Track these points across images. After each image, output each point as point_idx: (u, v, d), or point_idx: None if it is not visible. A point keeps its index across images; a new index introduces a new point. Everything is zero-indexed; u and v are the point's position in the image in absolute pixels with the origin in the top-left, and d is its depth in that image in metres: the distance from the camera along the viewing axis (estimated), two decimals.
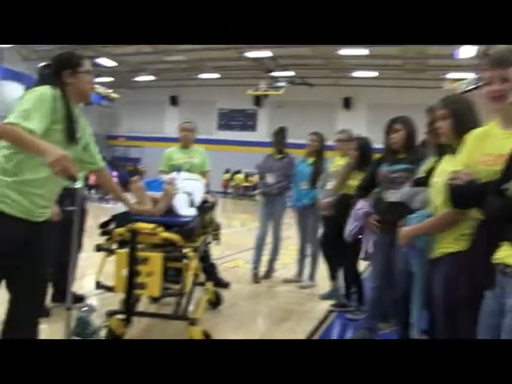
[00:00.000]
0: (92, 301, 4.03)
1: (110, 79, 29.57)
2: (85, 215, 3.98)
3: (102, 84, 29.03)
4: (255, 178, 24.74)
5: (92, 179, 16.12)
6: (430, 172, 2.55)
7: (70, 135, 2.21)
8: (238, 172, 25.27)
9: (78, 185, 2.25)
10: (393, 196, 3.25)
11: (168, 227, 3.02)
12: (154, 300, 3.96)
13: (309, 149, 5.42)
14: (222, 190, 24.14)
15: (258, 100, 27.21)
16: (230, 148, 26.12)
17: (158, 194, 3.24)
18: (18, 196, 2.09)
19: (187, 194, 3.45)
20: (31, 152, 1.99)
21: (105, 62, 25.89)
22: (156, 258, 2.84)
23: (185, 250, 2.97)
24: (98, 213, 4.80)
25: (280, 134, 5.73)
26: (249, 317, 4.24)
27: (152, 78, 28.47)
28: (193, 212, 3.31)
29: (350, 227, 3.72)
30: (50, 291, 3.88)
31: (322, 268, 5.13)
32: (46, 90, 2.15)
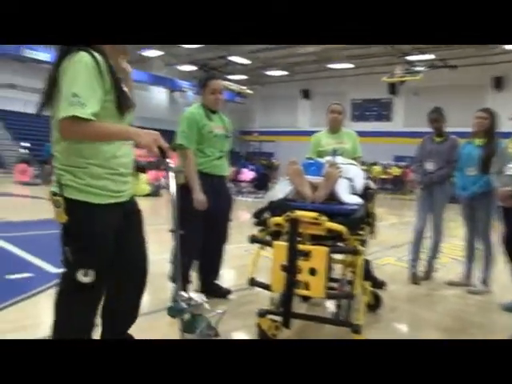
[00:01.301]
0: (233, 296, 3.78)
1: (243, 77, 30.27)
2: (231, 204, 3.72)
3: (236, 81, 29.87)
4: (393, 170, 23.55)
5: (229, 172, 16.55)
6: None
7: (123, 102, 1.94)
8: (374, 164, 24.24)
9: (171, 163, 1.96)
10: None
11: (330, 216, 2.57)
12: (304, 299, 3.56)
13: (477, 128, 4.60)
14: None
15: (393, 88, 25.92)
16: (364, 139, 24.73)
17: (317, 179, 2.80)
18: (102, 181, 1.93)
19: (348, 179, 2.97)
20: (118, 140, 1.90)
21: (237, 59, 26.54)
22: (321, 252, 2.40)
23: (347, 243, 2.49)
24: (236, 206, 4.51)
25: (437, 112, 4.96)
26: (414, 324, 3.64)
27: (284, 72, 28.55)
28: (357, 199, 2.81)
29: None
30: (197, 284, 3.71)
31: (498, 270, 4.32)
32: (84, 58, 1.81)
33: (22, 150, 17.87)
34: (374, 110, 27.51)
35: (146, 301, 2.38)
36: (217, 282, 3.79)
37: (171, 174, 1.96)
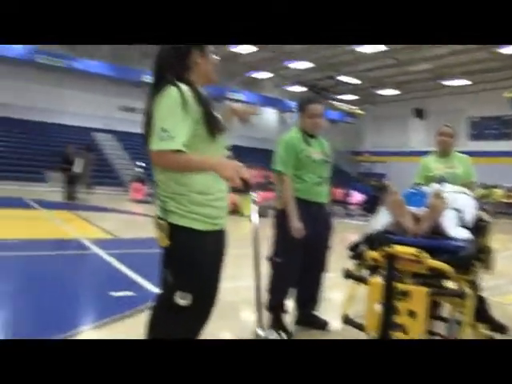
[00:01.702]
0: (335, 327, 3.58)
1: (354, 96, 29.91)
2: (330, 231, 3.58)
3: (346, 101, 29.60)
4: None
5: (338, 194, 16.30)
6: None
7: (213, 127, 1.95)
8: (495, 186, 22.46)
9: (254, 196, 1.92)
10: None
11: (433, 252, 2.34)
12: None
13: None
14: None
15: None
16: (484, 160, 23.42)
17: (420, 210, 2.58)
18: (204, 208, 1.96)
19: (456, 210, 2.70)
20: (202, 171, 1.91)
21: (348, 79, 26.30)
22: (421, 294, 2.19)
23: (452, 283, 2.24)
24: (343, 229, 4.33)
25: None
26: None
27: (395, 91, 27.74)
28: (466, 234, 2.54)
29: None
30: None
31: None
32: (171, 93, 1.88)
33: (138, 169, 19.02)
34: (494, 127, 25.56)
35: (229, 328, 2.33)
36: (315, 312, 3.65)
37: (254, 207, 1.93)
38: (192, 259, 1.96)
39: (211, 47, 2.08)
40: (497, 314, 4.03)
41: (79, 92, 22.55)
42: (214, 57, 2.09)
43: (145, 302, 3.81)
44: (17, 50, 19.74)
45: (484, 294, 3.92)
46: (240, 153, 23.03)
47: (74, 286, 4.54)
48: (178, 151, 1.82)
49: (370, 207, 14.56)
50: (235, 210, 13.36)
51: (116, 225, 9.58)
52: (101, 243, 6.87)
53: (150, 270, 4.15)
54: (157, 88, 1.93)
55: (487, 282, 4.79)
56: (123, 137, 22.82)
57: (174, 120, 1.84)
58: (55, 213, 10.47)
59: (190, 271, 1.96)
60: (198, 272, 1.97)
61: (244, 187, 1.81)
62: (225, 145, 2.10)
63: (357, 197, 15.64)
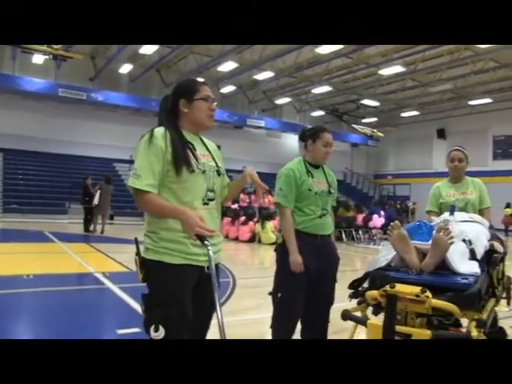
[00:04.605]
0: None
1: (375, 119, 29.77)
2: (335, 264, 3.41)
3: (368, 124, 29.46)
4: None
5: (359, 219, 16.01)
6: None
7: (179, 165, 2.06)
8: None
9: (210, 248, 1.98)
10: None
11: (438, 290, 2.17)
12: None
13: None
14: (503, 227, 21.16)
15: None
16: (509, 179, 22.98)
17: (426, 245, 2.42)
18: (174, 244, 2.05)
19: (466, 242, 2.53)
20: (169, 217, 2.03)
21: (369, 102, 26.22)
22: (421, 337, 2.02)
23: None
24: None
25: None
26: None
27: (417, 112, 27.51)
28: (475, 268, 2.36)
29: None
30: None
31: None
32: (145, 137, 2.09)
33: None
34: None
35: None
36: None
37: (211, 257, 1.97)
38: (160, 291, 2.02)
39: (205, 93, 2.20)
40: None
41: (100, 123, 23.00)
42: (206, 104, 2.20)
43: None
44: (39, 84, 20.46)
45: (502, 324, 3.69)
46: (263, 179, 23.08)
47: (80, 324, 4.45)
48: (147, 192, 1.99)
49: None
50: (253, 238, 13.29)
51: (132, 257, 9.48)
52: (115, 277, 6.83)
53: None
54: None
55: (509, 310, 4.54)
56: None
57: (142, 161, 2.04)
58: (73, 246, 10.49)
59: (157, 303, 2.01)
60: (166, 304, 1.99)
61: (199, 240, 1.93)
62: (206, 186, 2.17)
63: (377, 221, 15.29)
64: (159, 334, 1.97)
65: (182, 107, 2.19)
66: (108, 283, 6.37)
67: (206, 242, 1.93)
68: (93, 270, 7.43)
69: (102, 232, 13.37)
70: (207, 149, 2.27)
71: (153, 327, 1.98)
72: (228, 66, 20.83)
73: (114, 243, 11.94)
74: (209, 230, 1.93)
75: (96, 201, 13.22)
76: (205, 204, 2.14)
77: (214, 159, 2.25)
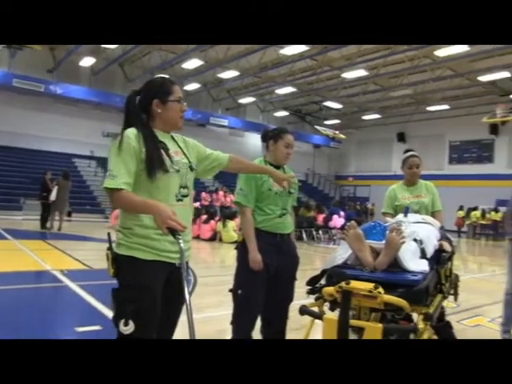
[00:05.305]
0: None
1: (337, 121, 30.25)
2: (295, 262, 3.50)
3: (330, 126, 29.91)
4: (492, 215, 21.87)
5: (319, 219, 16.24)
6: None
7: (153, 167, 2.08)
8: (474, 209, 22.73)
9: (181, 242, 1.98)
10: None
11: (390, 286, 2.29)
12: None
13: None
14: (455, 228, 21.98)
15: (495, 128, 24.51)
16: (463, 183, 23.95)
17: (380, 244, 2.54)
18: (146, 240, 2.08)
19: (417, 241, 2.67)
20: (143, 213, 2.06)
21: (332, 104, 26.63)
22: (375, 331, 2.13)
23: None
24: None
25: None
26: None
27: (378, 116, 28.13)
28: (425, 266, 2.49)
29: None
30: None
31: None
32: (118, 138, 2.10)
33: None
34: (473, 151, 26.05)
35: None
36: None
37: (182, 250, 1.98)
38: (131, 286, 2.04)
39: (181, 96, 2.24)
40: (460, 337, 3.96)
41: (59, 116, 22.31)
42: (179, 105, 2.23)
43: (110, 336, 3.70)
44: None
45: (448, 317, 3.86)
46: (224, 178, 23.11)
47: (38, 323, 4.38)
48: (121, 189, 1.99)
49: None
50: (214, 237, 13.32)
51: (91, 254, 9.35)
52: (73, 275, 6.72)
53: None
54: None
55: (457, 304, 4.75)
56: (105, 163, 22.58)
57: (116, 161, 2.05)
58: (28, 243, 10.20)
59: (128, 298, 2.02)
60: (136, 299, 2.01)
61: (171, 234, 1.92)
62: (179, 183, 2.19)
63: (337, 221, 15.58)
64: (129, 328, 1.98)
65: (156, 107, 2.19)
66: (66, 281, 6.26)
67: (178, 236, 1.94)
68: (50, 267, 7.27)
69: (59, 229, 13.05)
70: (178, 145, 2.29)
71: (122, 321, 1.99)
72: (193, 63, 20.73)
73: (72, 240, 11.72)
74: (181, 224, 1.92)
75: (53, 197, 12.89)
76: (178, 200, 2.17)
77: (185, 155, 2.27)
